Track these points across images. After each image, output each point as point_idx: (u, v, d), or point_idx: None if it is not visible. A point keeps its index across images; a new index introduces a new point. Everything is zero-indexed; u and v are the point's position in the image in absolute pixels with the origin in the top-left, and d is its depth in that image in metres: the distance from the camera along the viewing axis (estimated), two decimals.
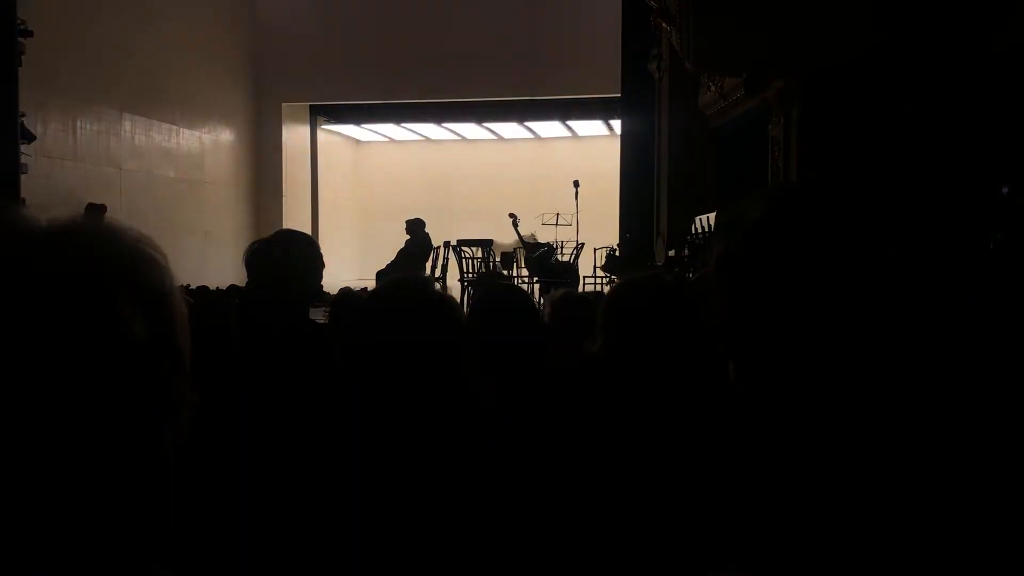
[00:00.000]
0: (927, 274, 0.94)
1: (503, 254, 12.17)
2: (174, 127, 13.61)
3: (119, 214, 11.22)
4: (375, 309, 1.78)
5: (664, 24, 7.73)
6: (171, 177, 13.51)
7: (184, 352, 0.72)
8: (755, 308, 0.91)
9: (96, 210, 9.54)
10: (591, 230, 12.38)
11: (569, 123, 17.38)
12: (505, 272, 11.71)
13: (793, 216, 0.92)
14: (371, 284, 7.84)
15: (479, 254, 11.65)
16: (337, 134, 18.24)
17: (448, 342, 1.71)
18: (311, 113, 16.78)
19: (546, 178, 17.24)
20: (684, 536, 1.55)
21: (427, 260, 11.57)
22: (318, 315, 3.47)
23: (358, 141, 19.49)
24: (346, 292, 4.20)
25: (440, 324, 1.71)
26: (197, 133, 14.26)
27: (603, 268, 11.66)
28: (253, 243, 2.74)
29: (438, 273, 11.69)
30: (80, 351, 0.63)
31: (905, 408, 0.87)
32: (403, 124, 17.78)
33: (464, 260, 11.55)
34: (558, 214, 12.96)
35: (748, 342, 0.93)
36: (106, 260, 0.68)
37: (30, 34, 8.58)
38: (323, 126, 17.22)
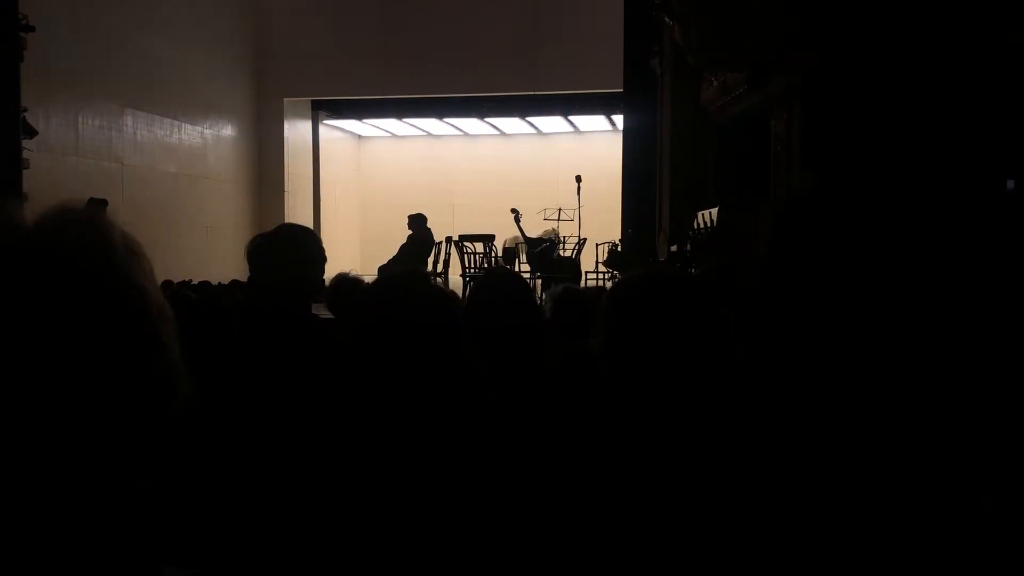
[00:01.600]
0: (932, 270, 0.93)
1: (505, 249, 12.16)
2: (176, 122, 13.60)
3: (121, 209, 11.22)
4: (373, 303, 1.78)
5: (666, 19, 7.71)
6: (173, 172, 13.51)
7: (172, 327, 0.71)
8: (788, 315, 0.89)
9: (98, 205, 9.56)
10: (593, 225, 12.36)
11: (571, 118, 17.35)
12: (508, 267, 11.71)
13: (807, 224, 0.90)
14: (372, 279, 7.83)
15: (481, 249, 11.64)
16: (339, 129, 18.23)
17: (447, 335, 1.71)
18: (313, 108, 16.76)
19: (548, 173, 17.23)
20: (688, 537, 1.54)
21: (429, 255, 11.56)
22: (320, 309, 3.46)
23: (360, 136, 19.48)
24: (342, 278, 4.11)
25: (438, 317, 1.71)
26: (199, 128, 14.26)
27: (605, 263, 11.65)
28: (255, 237, 2.73)
29: (440, 268, 11.68)
30: (103, 322, 0.63)
31: (915, 409, 0.87)
32: (405, 119, 17.75)
33: (466, 255, 11.54)
34: (560, 209, 12.95)
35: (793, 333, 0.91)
36: (113, 239, 0.68)
37: (32, 29, 8.57)
38: (325, 121, 17.21)
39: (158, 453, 0.69)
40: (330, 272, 2.85)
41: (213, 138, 14.67)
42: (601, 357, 1.72)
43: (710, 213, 7.65)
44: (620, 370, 1.70)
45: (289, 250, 2.60)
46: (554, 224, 12.80)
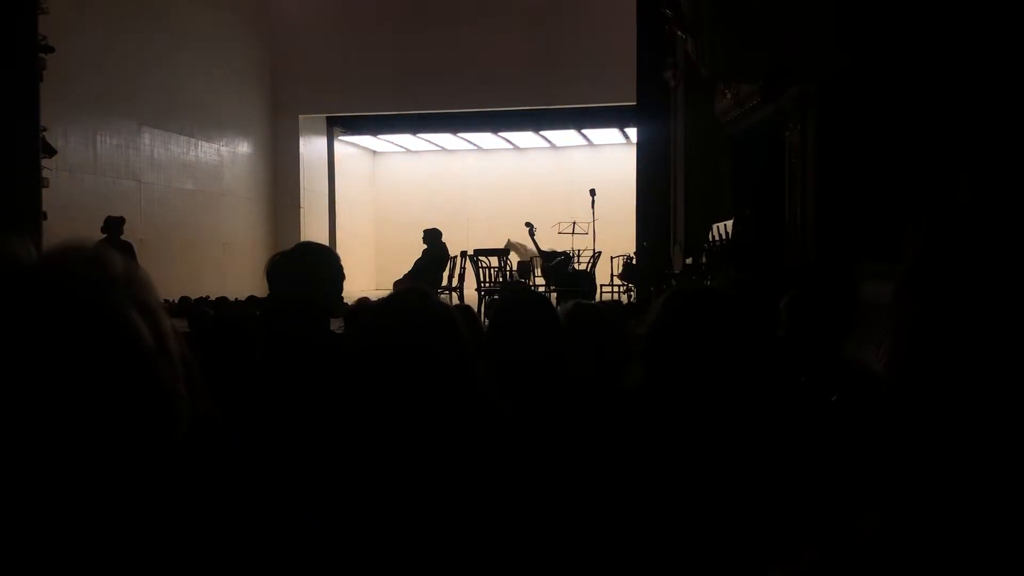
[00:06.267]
0: None
1: (520, 263, 12.17)
2: (192, 140, 13.72)
3: (138, 226, 11.32)
4: (374, 320, 1.79)
5: (679, 32, 7.73)
6: (190, 189, 13.61)
7: (176, 359, 0.74)
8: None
9: (115, 222, 9.63)
10: (608, 238, 12.35)
11: (585, 132, 17.37)
12: (523, 281, 11.72)
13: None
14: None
15: (495, 263, 11.65)
16: (354, 145, 18.32)
17: (450, 350, 1.70)
18: (328, 124, 16.87)
19: (562, 187, 17.24)
20: (717, 554, 1.54)
21: (444, 270, 11.59)
22: (338, 327, 3.48)
23: (375, 152, 19.57)
24: (363, 303, 4.19)
25: (440, 333, 1.71)
26: (215, 146, 14.37)
27: (620, 277, 11.63)
28: (275, 255, 2.75)
29: (455, 283, 11.70)
30: (98, 359, 0.66)
31: None
32: (419, 134, 17.83)
33: (481, 270, 11.56)
34: (574, 223, 12.95)
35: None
36: (110, 278, 0.70)
37: (51, 50, 8.69)
38: (340, 137, 17.30)
39: (159, 475, 0.71)
40: (346, 288, 2.86)
41: (229, 155, 14.78)
42: (645, 352, 1.69)
43: (725, 225, 7.65)
44: (661, 374, 1.67)
45: (308, 268, 2.61)
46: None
